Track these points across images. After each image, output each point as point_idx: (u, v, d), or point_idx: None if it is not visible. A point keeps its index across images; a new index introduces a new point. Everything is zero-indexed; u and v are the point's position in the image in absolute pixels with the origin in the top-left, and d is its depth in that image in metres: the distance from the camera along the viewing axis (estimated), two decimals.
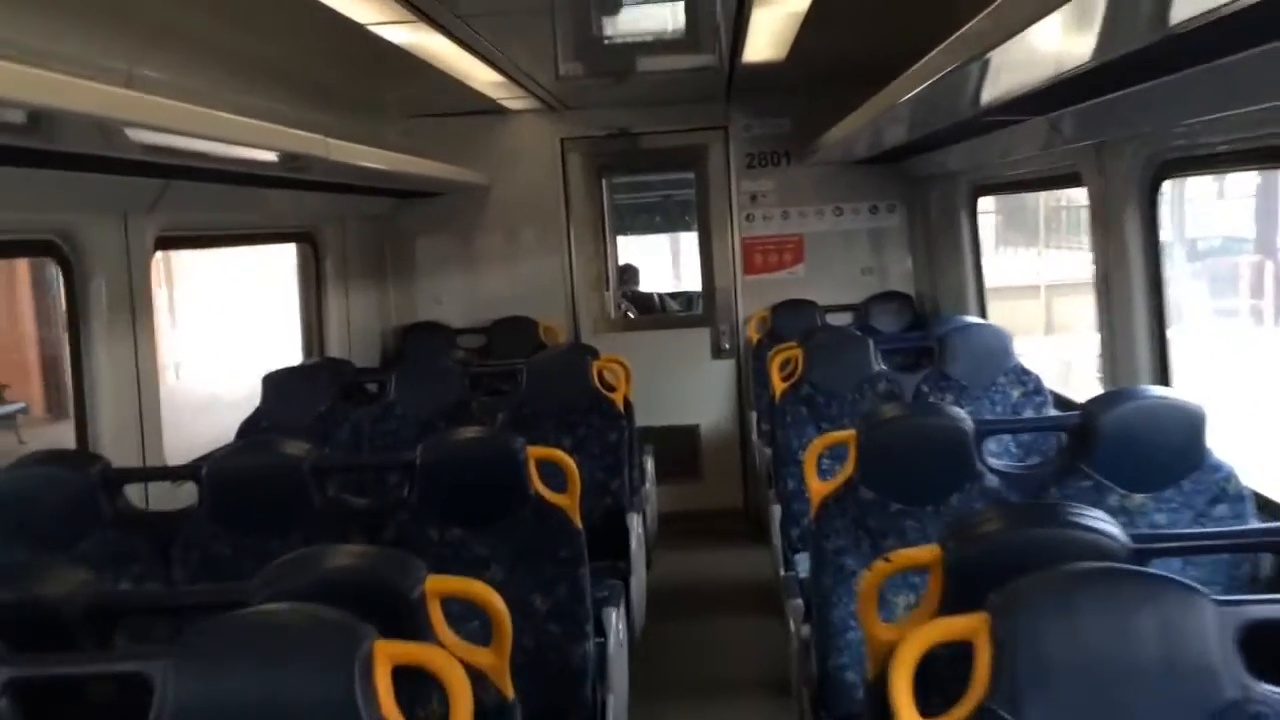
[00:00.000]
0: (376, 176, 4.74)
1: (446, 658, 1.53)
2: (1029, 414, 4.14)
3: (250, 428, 4.25)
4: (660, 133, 6.33)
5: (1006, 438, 3.99)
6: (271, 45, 4.04)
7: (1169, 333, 3.32)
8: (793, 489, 4.12)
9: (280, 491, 2.67)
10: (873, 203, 6.32)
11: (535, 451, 2.72)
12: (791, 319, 6.06)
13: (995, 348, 4.21)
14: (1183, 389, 2.91)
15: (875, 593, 1.87)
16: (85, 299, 3.29)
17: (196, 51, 3.71)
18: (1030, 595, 1.45)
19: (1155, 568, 1.68)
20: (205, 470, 2.67)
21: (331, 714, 1.37)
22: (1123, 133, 3.24)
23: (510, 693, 1.88)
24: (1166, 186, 3.27)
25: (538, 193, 6.32)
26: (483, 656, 1.86)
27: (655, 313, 7.80)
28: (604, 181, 6.51)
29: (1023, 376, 4.18)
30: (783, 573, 3.85)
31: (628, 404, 4.45)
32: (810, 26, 4.12)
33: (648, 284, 8.51)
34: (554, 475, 2.81)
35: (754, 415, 5.89)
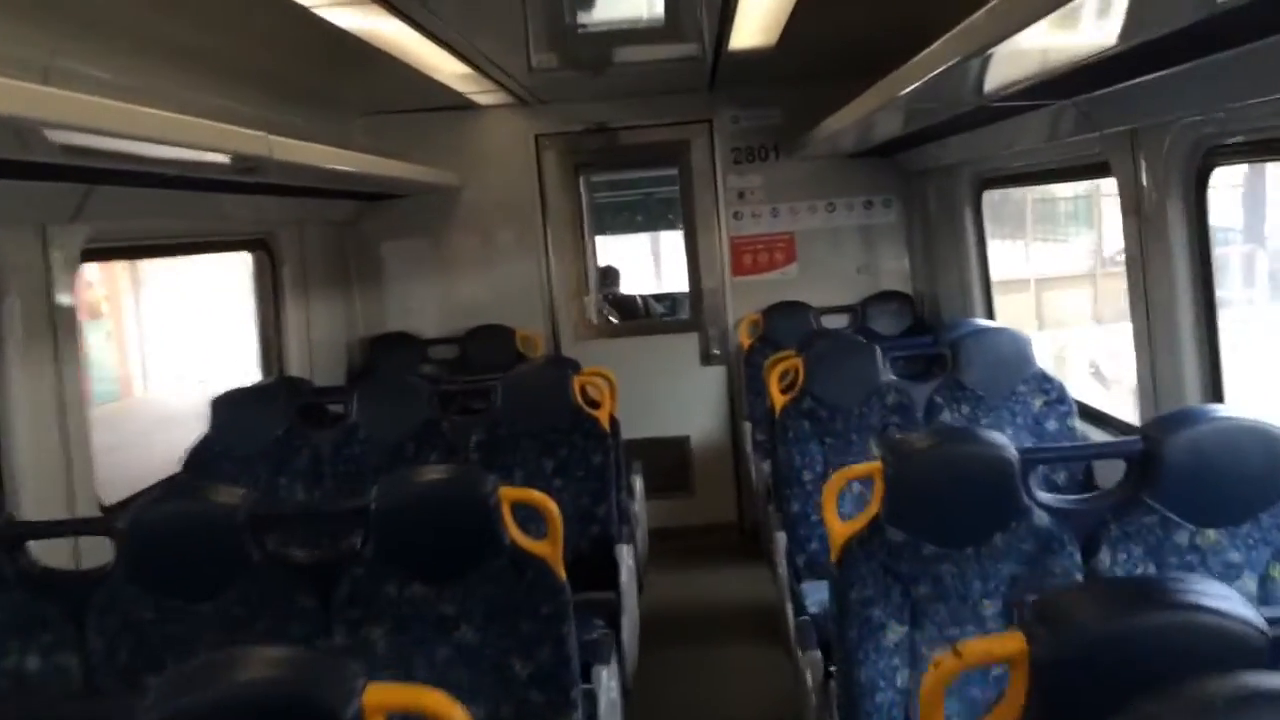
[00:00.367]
0: (335, 178, 4.36)
1: None
2: (1052, 425, 3.80)
3: (199, 456, 3.86)
4: (641, 127, 5.97)
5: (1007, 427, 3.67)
6: (213, 34, 3.66)
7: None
8: (797, 512, 3.77)
9: (211, 547, 2.28)
10: (867, 198, 5.98)
11: (510, 494, 2.34)
12: (785, 322, 5.73)
13: (1014, 353, 3.86)
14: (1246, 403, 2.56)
15: (940, 698, 1.50)
16: None
17: (127, 41, 3.33)
18: None
19: None
20: (122, 524, 2.28)
21: None
22: (1161, 117, 2.90)
23: None
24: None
25: (512, 193, 5.95)
26: None
27: (639, 316, 7.44)
28: (582, 179, 6.15)
29: (1044, 384, 3.84)
30: (790, 609, 3.48)
31: (613, 421, 4.08)
32: (804, 8, 3.79)
33: (630, 286, 8.14)
34: (535, 514, 2.45)
35: (747, 425, 5.53)
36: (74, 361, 3.25)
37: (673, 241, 7.91)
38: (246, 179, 3.75)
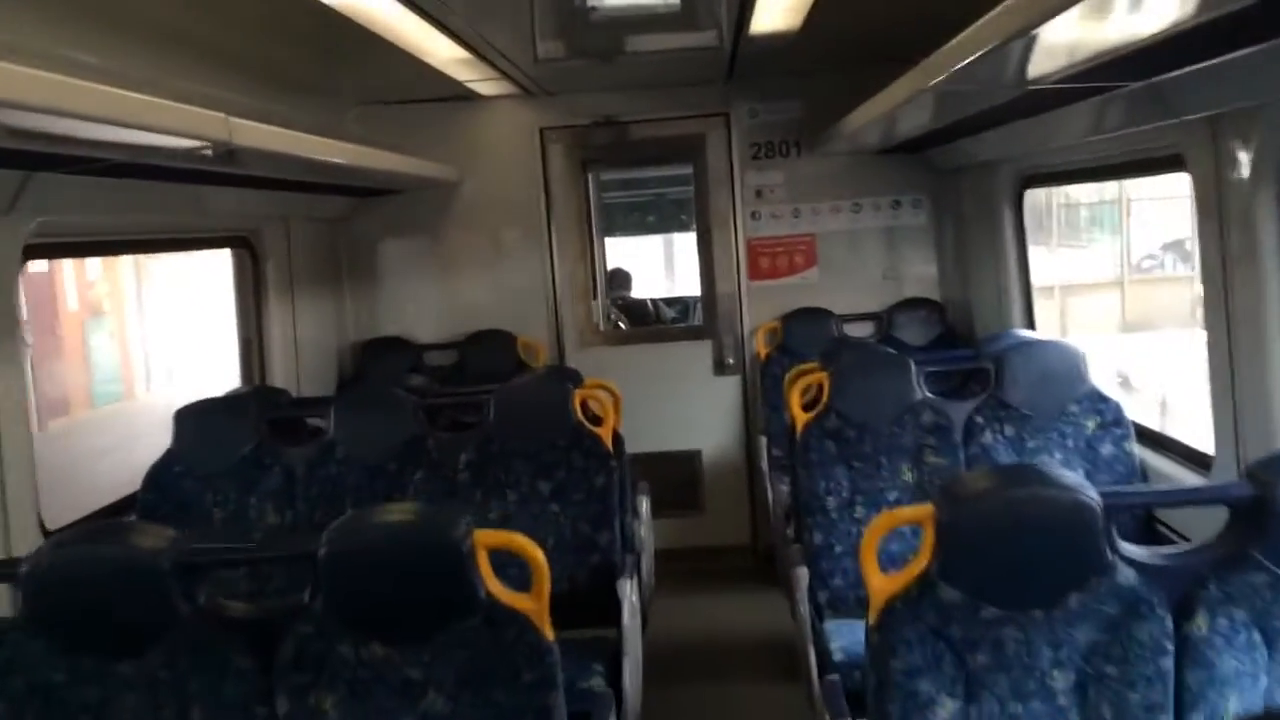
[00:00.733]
0: (316, 169, 4.00)
1: None
2: (1108, 449, 3.41)
3: (159, 474, 3.50)
4: (653, 120, 5.59)
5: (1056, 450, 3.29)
6: (196, 16, 3.36)
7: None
8: (820, 543, 3.39)
9: (131, 598, 1.91)
10: (895, 197, 5.58)
11: (487, 538, 1.96)
12: (805, 330, 5.37)
13: (1064, 369, 3.47)
14: None
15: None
16: None
17: (105, 21, 3.04)
18: None
19: None
20: (24, 570, 1.91)
21: None
22: (1251, 101, 2.51)
23: None
24: None
25: (515, 189, 5.59)
26: None
27: (649, 322, 7.07)
28: (590, 176, 5.79)
29: (1099, 404, 3.44)
30: (812, 654, 3.10)
31: (617, 438, 3.71)
32: None
33: (640, 289, 7.77)
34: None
35: (763, 440, 5.14)
36: (16, 372, 2.90)
37: (686, 243, 7.52)
38: (219, 169, 3.43)
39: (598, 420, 3.66)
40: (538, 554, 1.99)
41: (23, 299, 3.15)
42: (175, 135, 2.58)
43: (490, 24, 4.00)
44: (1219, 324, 2.77)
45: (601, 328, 5.82)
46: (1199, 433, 3.19)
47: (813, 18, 3.95)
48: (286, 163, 3.56)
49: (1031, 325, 4.72)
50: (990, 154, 4.63)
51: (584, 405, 3.63)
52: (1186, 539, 2.92)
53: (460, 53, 4.33)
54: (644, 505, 4.20)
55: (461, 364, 5.48)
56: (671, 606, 4.74)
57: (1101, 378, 3.53)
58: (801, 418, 3.52)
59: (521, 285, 5.62)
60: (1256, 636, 1.88)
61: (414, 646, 1.94)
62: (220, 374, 5.78)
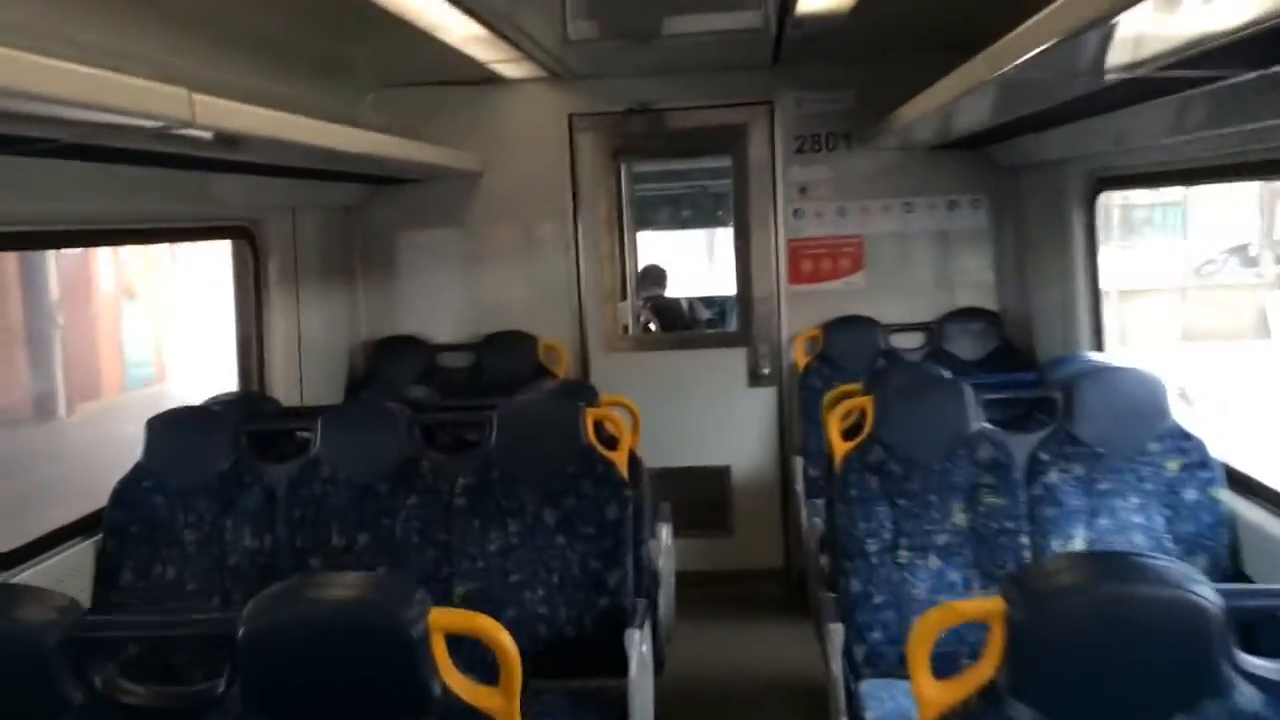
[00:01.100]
0: (317, 155, 3.67)
1: None
2: (1191, 495, 2.98)
3: (127, 491, 3.18)
4: (691, 109, 5.19)
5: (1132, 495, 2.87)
6: None
7: None
8: (857, 592, 2.99)
9: (13, 682, 1.57)
10: (951, 197, 5.14)
11: (445, 619, 1.59)
12: (848, 340, 4.97)
13: (1143, 400, 3.04)
14: None
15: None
16: None
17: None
18: None
19: None
20: None
21: None
22: None
23: None
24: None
25: (540, 180, 5.22)
26: None
27: (683, 324, 6.70)
28: (622, 168, 5.42)
29: (1181, 442, 3.01)
30: None
31: (635, 461, 3.34)
32: None
33: (677, 287, 7.38)
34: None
35: (799, 461, 4.74)
36: None
37: (725, 238, 7.12)
38: (211, 155, 3.13)
39: (614, 442, 3.30)
40: (506, 641, 1.62)
41: (54, 280, 2.88)
42: (127, 115, 2.25)
43: (517, 3, 3.67)
44: None
45: (630, 331, 5.44)
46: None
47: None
48: (276, 147, 3.24)
49: (1100, 345, 4.27)
50: (1060, 152, 4.20)
51: (599, 426, 3.27)
52: None
53: (480, 30, 3.99)
54: (664, 533, 3.83)
55: (478, 367, 5.14)
56: (692, 639, 4.35)
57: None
58: (841, 447, 3.12)
59: (545, 284, 5.27)
60: None
61: None
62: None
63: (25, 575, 2.85)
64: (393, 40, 4.14)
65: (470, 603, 3.04)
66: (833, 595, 3.05)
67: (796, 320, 5.18)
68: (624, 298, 5.39)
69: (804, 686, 4.09)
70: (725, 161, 5.54)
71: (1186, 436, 3.02)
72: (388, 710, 1.56)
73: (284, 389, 4.37)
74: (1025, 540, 2.96)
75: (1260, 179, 3.14)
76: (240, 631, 1.55)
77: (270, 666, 1.56)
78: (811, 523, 4.08)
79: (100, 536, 3.16)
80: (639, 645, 2.88)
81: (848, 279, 5.21)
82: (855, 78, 5.03)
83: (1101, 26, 1.71)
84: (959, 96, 2.89)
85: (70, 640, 1.57)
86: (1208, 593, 1.46)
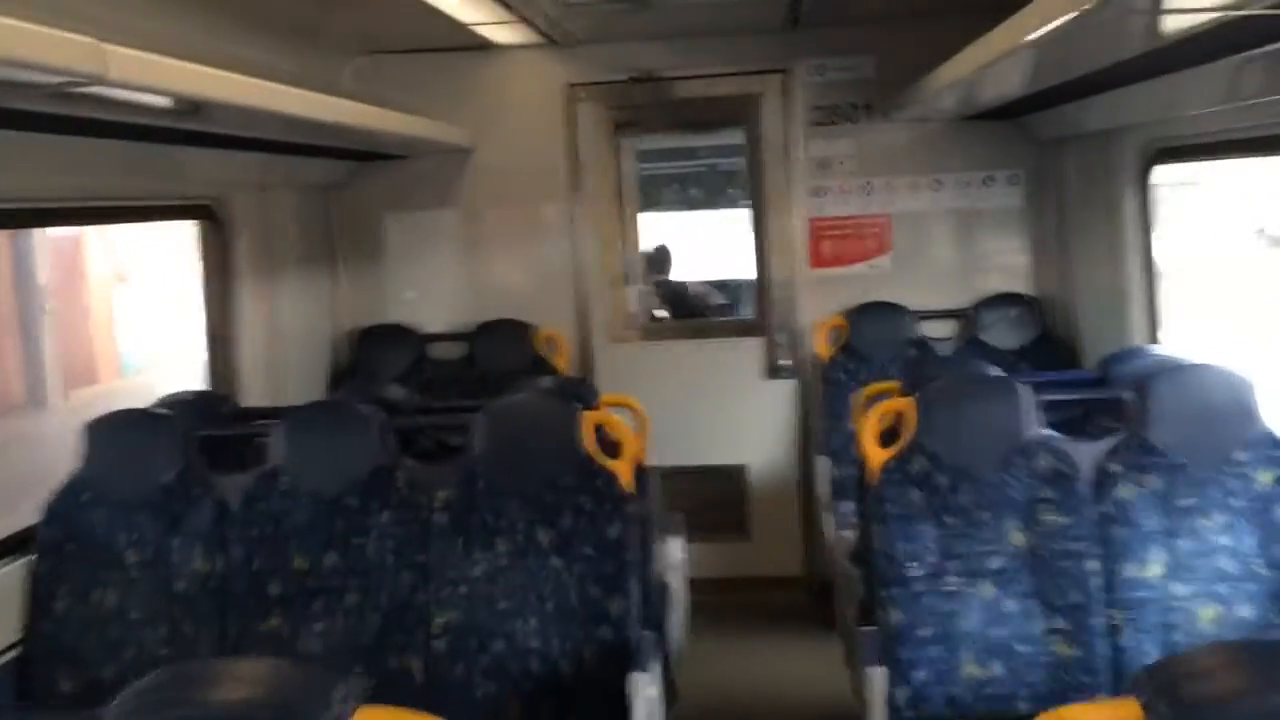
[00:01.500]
0: (293, 127, 3.30)
1: None
2: None
3: (64, 503, 2.80)
4: (699, 77, 4.83)
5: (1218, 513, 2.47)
6: None
7: None
8: (899, 624, 2.59)
9: None
10: (987, 172, 4.74)
11: None
12: (874, 329, 4.62)
13: (1228, 402, 2.63)
14: None
15: None
16: None
17: None
18: None
19: None
20: None
21: None
22: None
23: None
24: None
25: (537, 155, 4.87)
26: None
27: (694, 310, 6.31)
28: (624, 142, 5.02)
29: (1273, 451, 2.60)
30: None
31: (641, 472, 2.94)
32: None
33: (687, 270, 6.97)
34: None
35: (822, 460, 4.34)
36: None
37: (737, 219, 6.73)
38: (169, 125, 2.77)
39: (615, 448, 2.90)
40: None
41: (42, 263, 2.52)
42: (23, 68, 1.86)
43: None
44: None
45: (635, 319, 5.04)
46: None
47: None
48: (240, 115, 2.88)
49: (1153, 335, 3.86)
50: (1109, 121, 3.81)
51: (599, 431, 2.87)
52: None
53: None
54: (677, 548, 3.44)
55: (471, 358, 4.77)
56: (708, 655, 3.98)
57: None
58: (878, 457, 2.72)
59: (543, 268, 4.92)
60: None
61: None
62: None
63: None
64: (376, 1, 3.80)
65: (452, 634, 2.67)
66: (869, 629, 2.65)
67: (817, 307, 4.81)
68: (628, 283, 4.99)
69: (828, 704, 3.71)
70: (737, 137, 5.17)
71: (1278, 444, 2.61)
72: None
73: (258, 386, 4.00)
74: (1094, 565, 2.56)
75: None
76: None
77: None
78: (839, 534, 3.68)
79: (34, 557, 2.79)
80: (644, 690, 2.49)
81: (873, 262, 4.84)
82: (879, 43, 4.68)
83: None
84: (994, 60, 2.68)
85: None
86: None
